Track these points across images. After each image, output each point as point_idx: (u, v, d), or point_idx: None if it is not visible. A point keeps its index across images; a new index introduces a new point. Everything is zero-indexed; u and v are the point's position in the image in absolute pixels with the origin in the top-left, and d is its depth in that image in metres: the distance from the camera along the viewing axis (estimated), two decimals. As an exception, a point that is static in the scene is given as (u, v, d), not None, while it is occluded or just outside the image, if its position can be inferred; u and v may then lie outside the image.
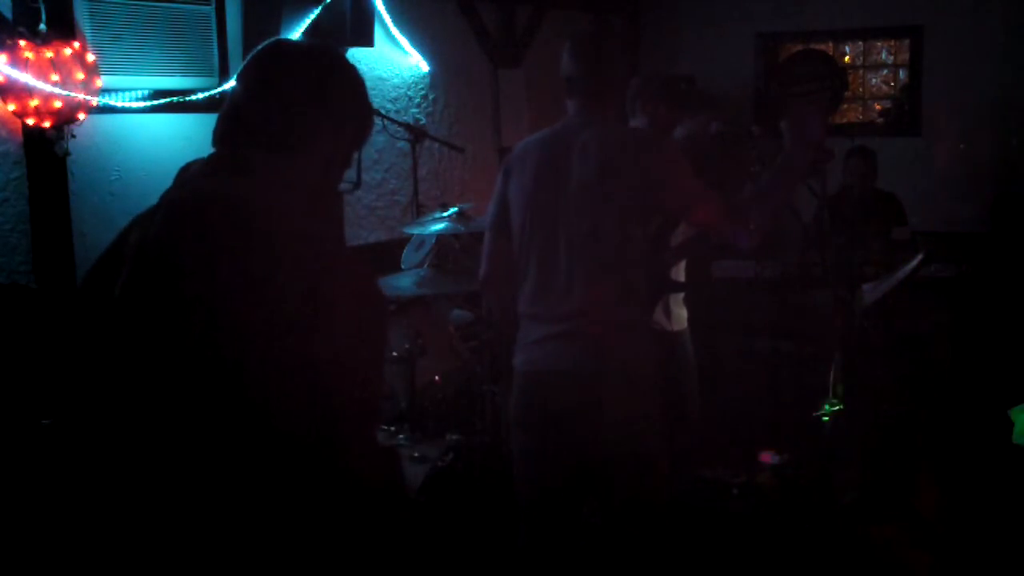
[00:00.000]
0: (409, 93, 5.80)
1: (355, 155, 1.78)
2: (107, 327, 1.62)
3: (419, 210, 4.90)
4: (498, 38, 6.50)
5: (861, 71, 7.71)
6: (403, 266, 4.49)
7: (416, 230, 4.28)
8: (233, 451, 1.51)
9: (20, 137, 3.96)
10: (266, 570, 1.54)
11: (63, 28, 3.94)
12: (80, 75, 3.93)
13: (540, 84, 6.80)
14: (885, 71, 7.79)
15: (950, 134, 6.89)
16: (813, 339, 5.02)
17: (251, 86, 1.70)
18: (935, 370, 5.41)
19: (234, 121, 1.70)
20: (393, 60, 5.61)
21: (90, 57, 4.00)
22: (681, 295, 3.67)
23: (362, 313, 1.58)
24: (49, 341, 3.94)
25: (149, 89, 4.42)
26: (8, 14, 3.84)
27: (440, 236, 4.24)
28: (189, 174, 1.74)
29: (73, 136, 4.00)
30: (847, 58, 7.73)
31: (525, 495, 2.86)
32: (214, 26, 4.68)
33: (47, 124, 3.89)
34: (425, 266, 4.27)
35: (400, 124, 4.90)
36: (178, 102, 4.35)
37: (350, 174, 1.79)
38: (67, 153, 4.01)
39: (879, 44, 7.64)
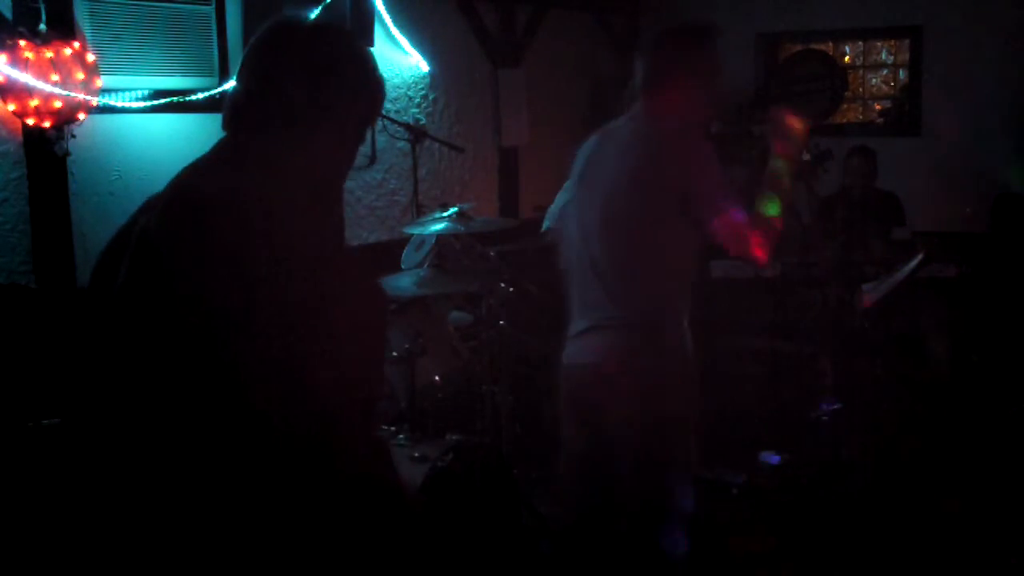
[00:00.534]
0: (409, 93, 5.80)
1: (368, 131, 1.76)
2: (108, 321, 1.61)
3: (419, 210, 4.90)
4: (498, 38, 6.50)
5: (861, 71, 7.70)
6: (403, 266, 4.49)
7: (416, 230, 4.28)
8: (230, 449, 1.50)
9: (20, 137, 3.96)
10: (264, 569, 1.54)
11: (63, 28, 3.94)
12: (80, 75, 3.93)
13: (540, 84, 6.80)
14: (885, 71, 7.79)
15: (950, 134, 6.88)
16: (813, 339, 5.02)
17: (257, 68, 1.67)
18: (935, 370, 5.42)
19: (242, 105, 1.67)
20: (393, 60, 5.61)
21: (90, 57, 4.00)
22: None
23: (361, 311, 1.56)
24: (49, 341, 3.94)
25: (149, 89, 4.42)
26: (8, 14, 3.84)
27: (440, 236, 4.24)
28: (194, 163, 1.71)
29: (73, 136, 4.00)
30: (847, 58, 7.73)
31: (566, 488, 2.93)
32: (214, 26, 4.68)
33: (47, 124, 3.89)
34: (425, 266, 4.27)
35: (400, 124, 4.90)
36: (178, 102, 4.35)
37: (364, 150, 1.77)
38: (67, 153, 4.01)
39: (879, 44, 7.63)
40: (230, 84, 4.91)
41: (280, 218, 1.54)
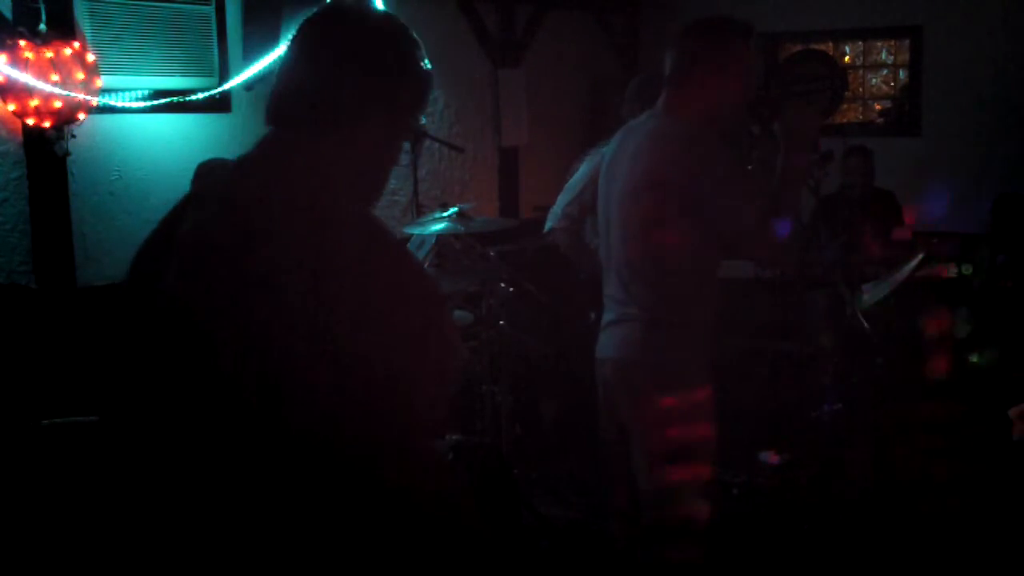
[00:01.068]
0: (409, 93, 5.80)
1: (414, 122, 1.67)
2: (152, 323, 1.52)
3: (419, 210, 4.90)
4: (498, 38, 6.50)
5: (861, 71, 7.70)
6: (403, 266, 4.48)
7: (416, 230, 4.28)
8: (274, 468, 1.42)
9: (20, 137, 3.96)
10: None
11: (63, 28, 3.94)
12: (80, 75, 3.93)
13: (540, 84, 6.80)
14: (885, 71, 7.79)
15: (950, 134, 6.88)
16: (813, 339, 5.02)
17: (303, 57, 1.58)
18: (934, 370, 5.42)
19: (288, 99, 1.57)
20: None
21: (90, 57, 4.00)
22: None
23: (411, 316, 1.45)
24: (49, 341, 3.95)
25: (149, 89, 4.42)
26: (8, 14, 3.85)
27: (440, 236, 4.24)
28: (241, 162, 1.58)
29: (73, 136, 4.00)
30: (847, 58, 7.72)
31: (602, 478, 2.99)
32: (214, 26, 4.68)
33: (47, 124, 3.89)
34: (425, 266, 4.27)
35: (400, 124, 4.89)
36: (178, 102, 4.35)
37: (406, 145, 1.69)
38: (67, 153, 4.01)
39: (879, 44, 7.63)
40: (231, 84, 4.89)
41: (332, 224, 1.45)
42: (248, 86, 4.65)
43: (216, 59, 4.69)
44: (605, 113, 4.73)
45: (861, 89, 7.71)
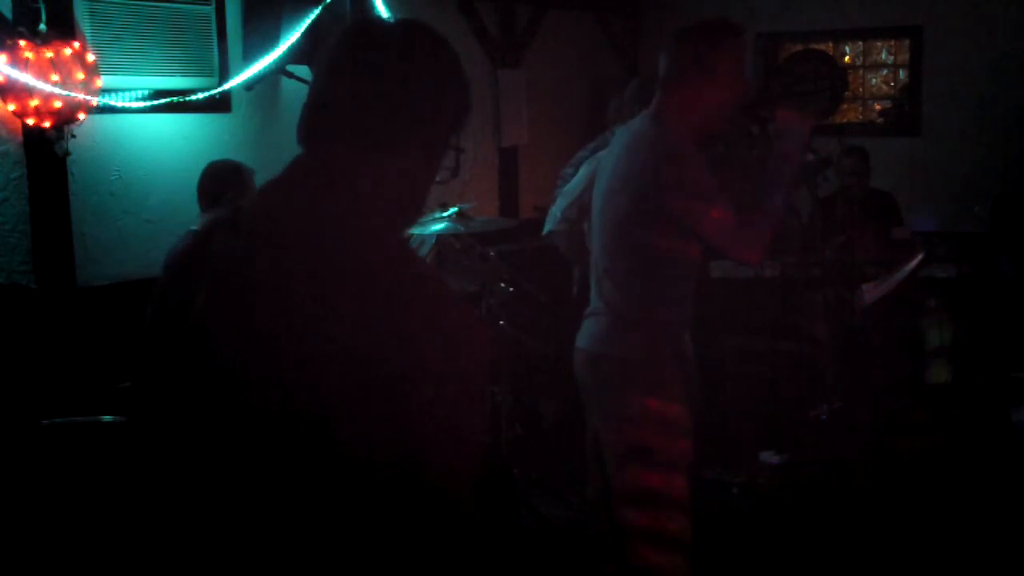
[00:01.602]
0: (409, 93, 5.80)
1: (454, 139, 1.56)
2: (183, 349, 1.45)
3: (419, 210, 4.89)
4: (498, 38, 6.50)
5: (861, 71, 7.70)
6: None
7: (416, 230, 4.28)
8: (319, 503, 1.36)
9: (20, 137, 3.96)
10: None
11: (63, 28, 3.94)
12: (80, 75, 3.93)
13: (540, 84, 6.80)
14: (885, 71, 7.79)
15: (950, 134, 6.88)
16: (813, 339, 5.02)
17: (340, 72, 1.49)
18: (934, 370, 5.42)
19: (321, 114, 1.48)
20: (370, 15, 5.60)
21: (90, 57, 3.99)
22: None
23: (463, 360, 1.36)
24: (49, 341, 3.95)
25: (149, 89, 4.42)
26: (8, 14, 3.84)
27: (440, 236, 4.24)
28: (275, 184, 1.49)
29: (73, 136, 4.00)
30: (847, 58, 7.72)
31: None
32: (214, 26, 4.67)
33: (47, 124, 3.89)
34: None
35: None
36: (178, 102, 4.35)
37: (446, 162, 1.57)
38: (67, 153, 4.01)
39: (879, 44, 7.63)
40: (231, 84, 4.88)
41: (370, 251, 1.38)
42: (248, 86, 4.65)
43: (216, 59, 4.68)
44: (605, 113, 4.73)
45: (861, 89, 7.71)
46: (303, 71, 4.80)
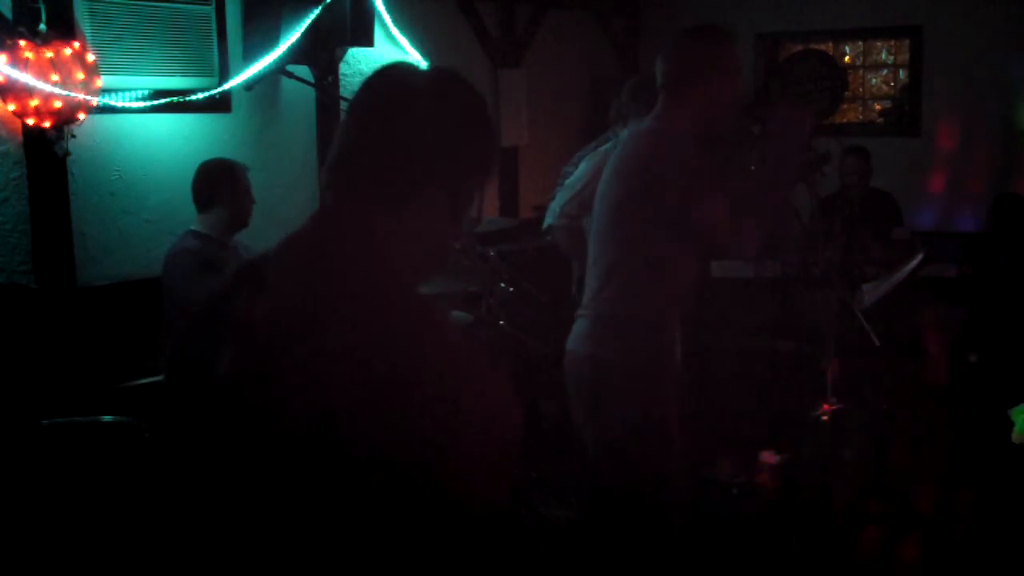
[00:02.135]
0: (409, 93, 5.79)
1: (480, 192, 1.52)
2: (209, 413, 1.41)
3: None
4: (498, 38, 6.50)
5: (861, 71, 7.70)
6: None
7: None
8: (352, 539, 1.34)
9: (20, 137, 3.96)
10: None
11: (63, 28, 3.93)
12: (80, 75, 3.93)
13: (540, 84, 6.80)
14: (885, 71, 7.79)
15: (950, 134, 6.88)
16: (813, 339, 5.02)
17: (366, 127, 1.44)
18: (934, 370, 5.42)
19: (347, 169, 1.44)
20: (393, 60, 5.60)
21: (90, 57, 3.99)
22: None
23: (490, 434, 1.33)
24: (49, 341, 3.95)
25: (149, 89, 4.42)
26: (8, 14, 3.84)
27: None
28: (296, 239, 1.45)
29: (73, 136, 4.00)
30: (847, 58, 7.72)
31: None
32: (214, 26, 4.67)
33: (47, 124, 3.89)
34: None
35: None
36: (178, 102, 4.35)
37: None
38: (67, 153, 4.01)
39: (879, 44, 7.63)
40: (230, 84, 4.87)
41: (391, 310, 1.35)
42: (248, 86, 4.65)
43: (216, 59, 4.68)
44: (605, 113, 4.73)
45: (861, 89, 7.71)
46: (303, 71, 4.80)
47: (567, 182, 4.10)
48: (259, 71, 4.55)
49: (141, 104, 4.37)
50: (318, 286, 1.36)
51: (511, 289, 4.36)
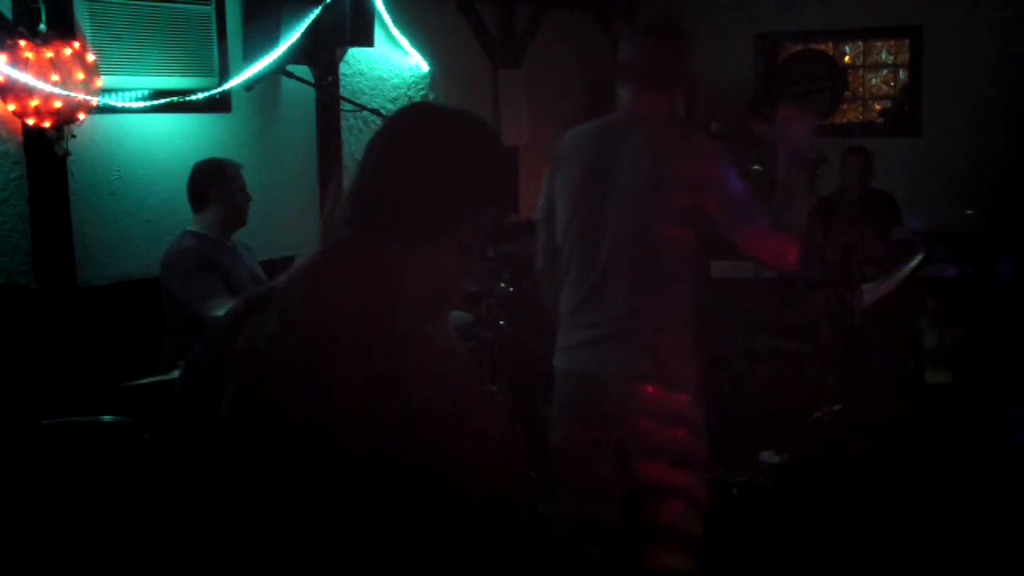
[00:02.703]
0: (409, 93, 5.80)
1: (491, 232, 1.56)
2: (216, 448, 1.43)
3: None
4: (498, 38, 6.50)
5: (861, 71, 7.70)
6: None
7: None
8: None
9: (20, 137, 3.95)
10: None
11: (63, 28, 3.93)
12: (80, 75, 3.92)
13: (540, 84, 6.80)
14: (885, 71, 7.79)
15: (950, 134, 6.89)
16: (813, 339, 5.02)
17: (385, 166, 1.49)
18: (934, 370, 5.41)
19: (364, 205, 1.48)
20: (393, 60, 5.61)
21: (90, 57, 3.99)
22: None
23: (489, 467, 1.36)
24: (49, 341, 3.95)
25: (149, 89, 4.42)
26: (8, 14, 3.84)
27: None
28: (308, 269, 1.48)
29: (73, 136, 4.00)
30: (847, 58, 7.73)
31: (569, 493, 3.00)
32: (214, 26, 4.67)
33: (47, 124, 3.89)
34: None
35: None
36: (178, 102, 4.35)
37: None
38: (67, 153, 4.01)
39: (879, 44, 7.64)
40: (230, 84, 4.87)
41: (404, 346, 1.37)
42: (248, 86, 4.65)
43: (216, 59, 4.68)
44: (605, 113, 4.73)
45: (861, 89, 7.72)
46: (303, 71, 4.80)
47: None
48: (259, 71, 4.55)
49: (141, 104, 4.36)
50: (327, 317, 1.38)
51: (511, 289, 4.36)
